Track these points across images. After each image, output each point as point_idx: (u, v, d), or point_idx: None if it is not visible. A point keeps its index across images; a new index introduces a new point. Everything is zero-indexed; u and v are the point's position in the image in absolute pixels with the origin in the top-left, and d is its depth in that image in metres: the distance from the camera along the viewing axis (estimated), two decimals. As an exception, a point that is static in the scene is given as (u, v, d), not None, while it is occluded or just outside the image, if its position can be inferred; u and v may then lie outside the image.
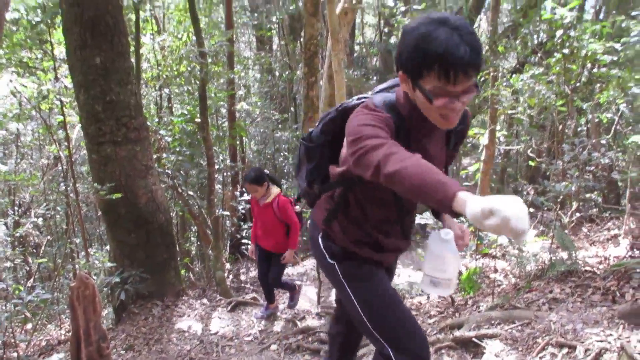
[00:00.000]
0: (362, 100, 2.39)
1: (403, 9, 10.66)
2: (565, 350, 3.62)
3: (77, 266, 7.60)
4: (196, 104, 9.85)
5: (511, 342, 3.97)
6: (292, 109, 17.65)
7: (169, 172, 9.55)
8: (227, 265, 10.64)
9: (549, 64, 7.88)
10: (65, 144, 7.78)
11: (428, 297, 6.12)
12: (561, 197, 6.78)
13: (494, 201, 1.49)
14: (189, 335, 6.50)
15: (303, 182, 2.78)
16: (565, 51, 7.32)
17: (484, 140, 9.05)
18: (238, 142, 12.71)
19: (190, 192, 10.44)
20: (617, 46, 7.00)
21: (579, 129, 9.82)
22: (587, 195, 7.95)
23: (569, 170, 7.25)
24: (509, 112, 9.55)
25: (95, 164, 7.22)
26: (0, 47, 8.94)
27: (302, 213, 6.43)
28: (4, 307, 6.70)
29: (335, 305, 3.48)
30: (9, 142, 13.12)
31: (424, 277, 2.33)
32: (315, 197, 2.79)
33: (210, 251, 9.30)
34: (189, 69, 10.70)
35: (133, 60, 7.98)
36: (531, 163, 10.29)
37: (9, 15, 8.73)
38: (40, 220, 10.77)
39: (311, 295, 7.81)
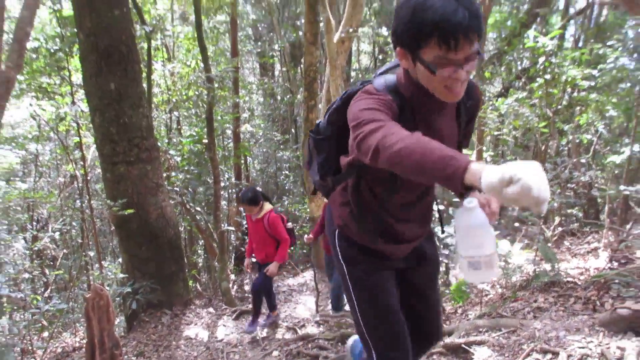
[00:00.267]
0: (365, 85, 2.14)
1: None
2: (549, 356, 3.61)
3: (91, 277, 7.59)
4: (203, 126, 9.88)
5: (498, 349, 3.96)
6: (293, 130, 17.69)
7: (178, 189, 9.56)
8: (232, 277, 10.62)
9: (532, 88, 7.94)
10: (81, 163, 7.79)
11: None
12: (544, 212, 6.78)
13: (514, 168, 1.33)
14: (196, 342, 6.48)
15: (316, 175, 2.51)
16: (547, 77, 7.37)
17: (472, 159, 9.05)
18: (242, 162, 12.76)
19: (198, 208, 10.44)
20: (595, 72, 7.05)
21: (560, 149, 9.85)
22: (569, 211, 7.96)
23: (552, 188, 7.27)
24: (495, 133, 9.59)
25: (109, 182, 7.24)
26: (21, 74, 9.00)
27: (293, 230, 6.41)
28: (22, 316, 6.69)
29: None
30: (28, 162, 13.14)
31: (461, 262, 1.99)
32: (330, 190, 2.51)
33: (216, 263, 9.29)
34: (197, 93, 10.77)
35: (145, 85, 8.02)
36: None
37: (29, 44, 8.81)
38: (57, 235, 10.76)
39: (310, 305, 7.80)
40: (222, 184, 10.67)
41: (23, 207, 11.82)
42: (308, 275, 10.83)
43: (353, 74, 18.34)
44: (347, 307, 6.72)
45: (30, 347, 6.38)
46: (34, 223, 12.20)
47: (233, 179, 11.86)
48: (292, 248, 9.05)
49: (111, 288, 8.25)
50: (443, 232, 2.79)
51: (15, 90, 9.37)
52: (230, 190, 12.02)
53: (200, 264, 12.23)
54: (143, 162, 7.20)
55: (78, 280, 9.50)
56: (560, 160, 7.42)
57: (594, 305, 4.48)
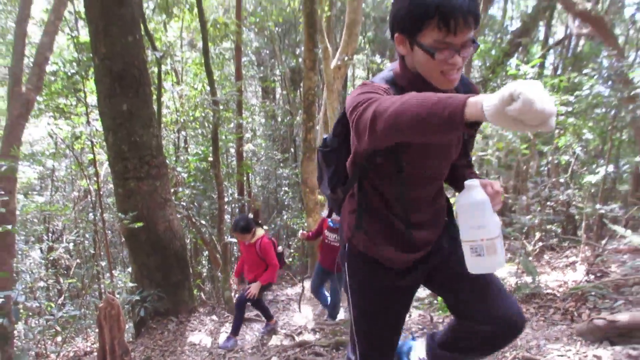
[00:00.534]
0: None
1: (388, 64, 10.77)
2: (530, 363, 3.61)
3: (102, 286, 7.56)
4: (209, 145, 9.90)
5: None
6: (292, 149, 17.73)
7: (185, 204, 9.55)
8: (234, 286, 10.58)
9: (514, 113, 7.95)
10: (95, 179, 7.79)
11: (410, 314, 5.99)
12: (526, 228, 6.81)
13: (513, 85, 1.21)
14: (200, 347, 6.44)
15: (327, 190, 2.31)
16: (528, 102, 7.38)
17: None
18: (245, 178, 12.74)
19: (203, 222, 10.42)
20: (572, 98, 7.09)
21: (540, 169, 9.88)
22: (548, 227, 7.95)
23: (533, 205, 7.31)
24: (480, 154, 9.61)
25: (121, 196, 7.23)
26: (40, 95, 9.03)
27: (283, 254, 6.38)
28: (37, 322, 6.65)
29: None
30: (45, 177, 13.12)
31: (464, 248, 1.79)
32: (341, 202, 2.30)
33: (219, 273, 9.26)
34: (203, 114, 10.81)
35: (155, 106, 8.04)
36: (499, 198, 10.28)
37: (48, 68, 8.85)
38: (71, 245, 10.75)
39: (307, 313, 7.77)
40: (226, 199, 10.66)
41: (40, 219, 11.81)
42: (306, 285, 10.79)
43: (348, 97, 18.46)
44: (341, 316, 6.70)
45: (44, 351, 6.35)
46: (50, 234, 12.17)
47: (236, 195, 11.85)
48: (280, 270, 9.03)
49: (121, 296, 8.22)
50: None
51: (34, 110, 9.39)
52: (233, 205, 12.02)
53: (204, 274, 12.19)
54: (152, 178, 7.20)
55: (90, 288, 9.47)
56: (540, 180, 7.44)
57: (572, 315, 4.48)
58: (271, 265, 5.89)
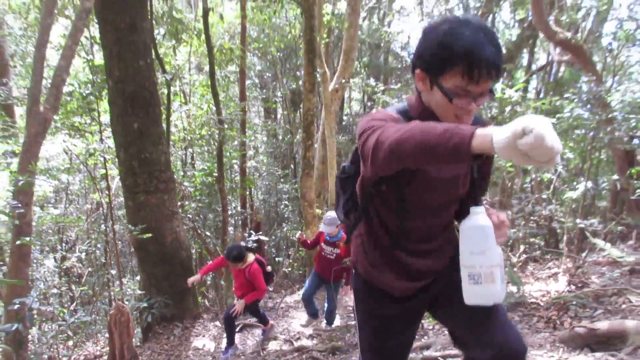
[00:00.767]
0: None
1: (382, 87, 10.82)
2: (515, 369, 3.58)
3: (112, 293, 7.52)
4: (214, 161, 9.91)
5: (471, 362, 3.93)
6: (292, 166, 17.72)
7: (191, 216, 9.54)
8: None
9: (499, 133, 7.97)
10: (106, 192, 7.78)
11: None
12: (511, 241, 6.80)
13: (525, 120, 1.17)
14: (204, 352, 6.39)
15: (341, 214, 2.18)
16: (513, 123, 7.41)
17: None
18: (247, 193, 12.74)
19: (208, 233, 10.40)
20: (554, 120, 7.12)
21: (524, 186, 9.89)
22: (532, 240, 7.94)
23: (517, 220, 7.30)
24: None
25: (131, 209, 7.23)
26: (57, 114, 9.03)
27: (272, 273, 6.32)
28: (50, 327, 6.60)
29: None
30: (60, 191, 13.07)
31: (462, 274, 1.66)
32: (353, 227, 2.14)
33: (222, 282, 9.23)
34: (209, 133, 10.83)
35: (164, 125, 8.06)
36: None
37: (65, 89, 8.86)
38: (83, 255, 10.71)
39: (305, 320, 7.71)
40: (230, 212, 10.64)
41: (54, 230, 11.75)
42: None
43: (345, 118, 18.52)
44: (337, 323, 6.67)
45: (56, 355, 6.29)
46: (63, 244, 12.11)
47: (239, 208, 11.82)
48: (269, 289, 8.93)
49: (130, 303, 8.18)
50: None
51: (51, 128, 9.36)
52: (236, 218, 11.97)
53: (208, 282, 12.12)
54: (161, 192, 7.20)
55: (101, 295, 9.42)
56: (524, 196, 7.45)
57: (555, 324, 4.46)
58: (259, 289, 5.80)
